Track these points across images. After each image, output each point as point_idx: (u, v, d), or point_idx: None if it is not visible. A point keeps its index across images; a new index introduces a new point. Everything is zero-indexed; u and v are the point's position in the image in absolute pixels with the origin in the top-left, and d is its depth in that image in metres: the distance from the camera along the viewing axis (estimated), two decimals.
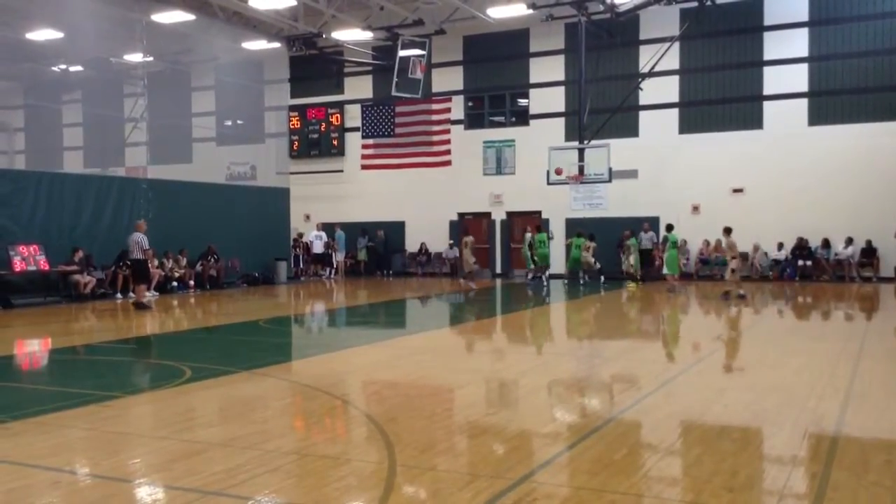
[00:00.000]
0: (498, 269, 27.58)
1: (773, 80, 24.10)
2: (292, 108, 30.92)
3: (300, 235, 27.95)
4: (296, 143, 30.86)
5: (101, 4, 22.62)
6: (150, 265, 18.45)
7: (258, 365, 9.91)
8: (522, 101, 27.73)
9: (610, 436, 6.41)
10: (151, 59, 29.73)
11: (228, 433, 6.56)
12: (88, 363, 11.04)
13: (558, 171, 22.93)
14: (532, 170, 25.68)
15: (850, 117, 23.14)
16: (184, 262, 21.89)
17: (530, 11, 23.96)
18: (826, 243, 23.42)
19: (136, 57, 29.63)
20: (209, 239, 22.51)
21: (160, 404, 7.92)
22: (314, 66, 28.96)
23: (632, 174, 24.96)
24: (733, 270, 18.42)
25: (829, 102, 23.52)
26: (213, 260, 22.69)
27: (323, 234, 27.59)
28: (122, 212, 20.81)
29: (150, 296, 18.72)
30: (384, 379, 9.31)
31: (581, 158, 23.08)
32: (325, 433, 6.88)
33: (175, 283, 21.37)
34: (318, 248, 27.34)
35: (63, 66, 32.41)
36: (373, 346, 12.15)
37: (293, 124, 30.87)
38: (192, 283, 21.86)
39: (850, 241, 23.06)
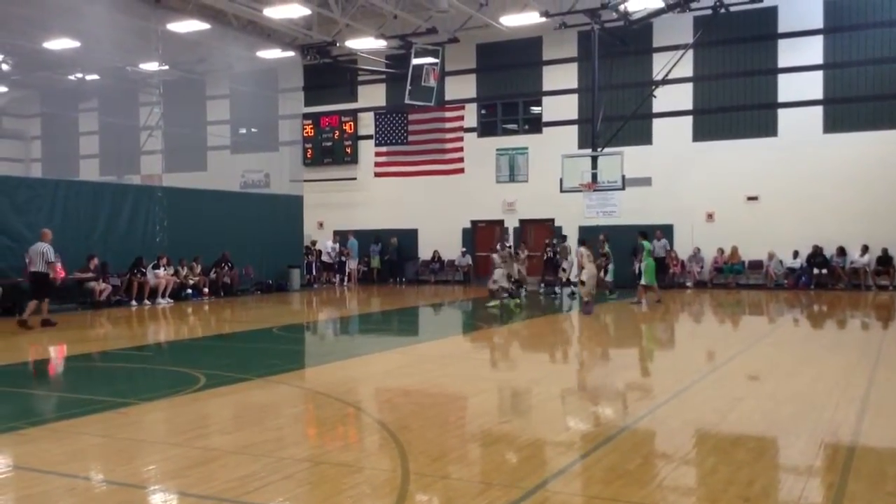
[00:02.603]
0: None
1: (788, 87, 24.00)
2: (306, 116, 31.07)
3: (313, 243, 28.05)
4: (309, 150, 30.99)
5: (117, 14, 22.83)
6: (54, 278, 15.69)
7: (272, 372, 9.94)
8: (535, 109, 27.74)
9: (624, 445, 6.39)
10: (167, 67, 29.96)
11: (242, 440, 6.58)
12: (103, 370, 11.10)
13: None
14: (545, 177, 25.67)
15: (865, 125, 23.00)
16: (198, 269, 22.01)
17: (543, 20, 23.98)
18: (841, 251, 23.25)
19: (151, 66, 29.85)
20: (223, 246, 22.63)
21: (175, 411, 7.96)
22: (328, 74, 29.10)
23: (645, 182, 24.90)
24: (582, 282, 17.85)
25: (844, 110, 23.39)
26: (227, 267, 22.80)
27: (336, 245, 27.73)
28: (138, 219, 20.96)
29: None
30: (397, 386, 9.31)
31: (594, 166, 23.03)
32: (338, 441, 6.89)
33: (189, 291, 21.49)
34: (327, 257, 27.48)
35: (79, 75, 32.74)
36: (386, 354, 12.16)
37: (307, 132, 31.00)
38: (206, 290, 21.97)
39: (865, 250, 22.88)
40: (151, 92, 33.35)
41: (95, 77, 32.62)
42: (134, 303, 19.78)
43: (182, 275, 21.45)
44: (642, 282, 19.32)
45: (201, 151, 33.13)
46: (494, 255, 19.44)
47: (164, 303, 20.24)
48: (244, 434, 6.88)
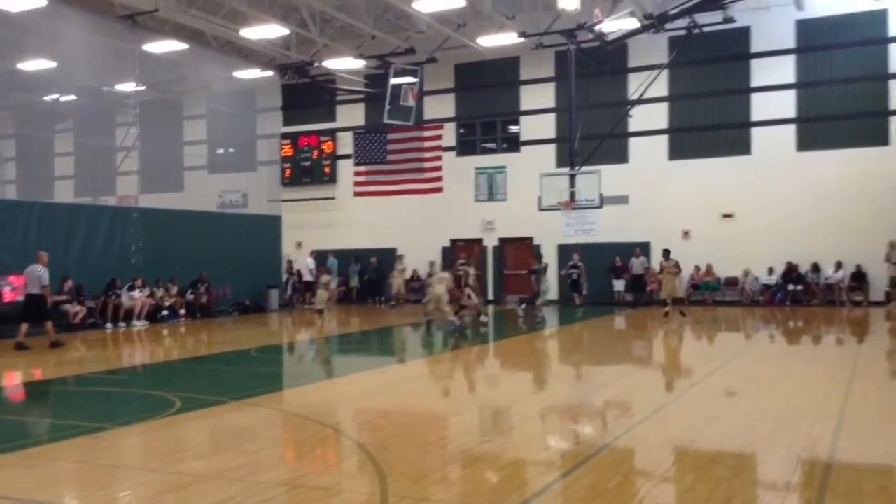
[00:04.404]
0: (490, 296, 27.55)
1: (761, 106, 24.34)
2: (284, 135, 31.02)
3: (290, 263, 27.90)
4: (288, 170, 30.92)
5: (93, 34, 22.72)
6: (47, 302, 15.66)
7: (249, 395, 9.84)
8: (513, 128, 27.91)
9: (604, 463, 6.39)
10: (144, 88, 29.82)
11: (218, 465, 6.50)
12: (78, 394, 10.94)
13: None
14: (523, 196, 25.79)
15: (837, 143, 23.34)
16: (174, 290, 21.80)
17: (521, 40, 24.19)
18: (816, 268, 23.52)
19: (128, 86, 29.69)
20: (200, 267, 22.46)
21: (150, 436, 7.85)
22: (306, 94, 29.10)
23: (623, 200, 25.08)
24: (469, 296, 18.27)
25: (816, 128, 23.74)
26: (203, 288, 22.62)
27: (313, 263, 27.56)
28: (113, 241, 20.75)
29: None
30: (376, 407, 9.26)
31: (572, 185, 23.18)
32: (316, 464, 6.83)
33: (165, 312, 21.26)
34: (306, 275, 27.28)
35: (55, 96, 32.48)
36: (365, 374, 12.10)
37: (285, 152, 30.95)
38: (182, 311, 21.76)
39: (839, 266, 23.16)
40: (128, 112, 33.11)
41: (71, 98, 32.38)
42: (109, 325, 19.54)
43: (158, 296, 21.24)
44: (540, 301, 20.02)
45: (178, 172, 32.91)
46: (431, 278, 19.42)
47: (139, 325, 20.02)
48: (220, 458, 6.80)
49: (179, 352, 15.99)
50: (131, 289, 20.32)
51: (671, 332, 17.86)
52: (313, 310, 21.29)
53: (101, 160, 33.59)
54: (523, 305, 21.76)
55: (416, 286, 28.25)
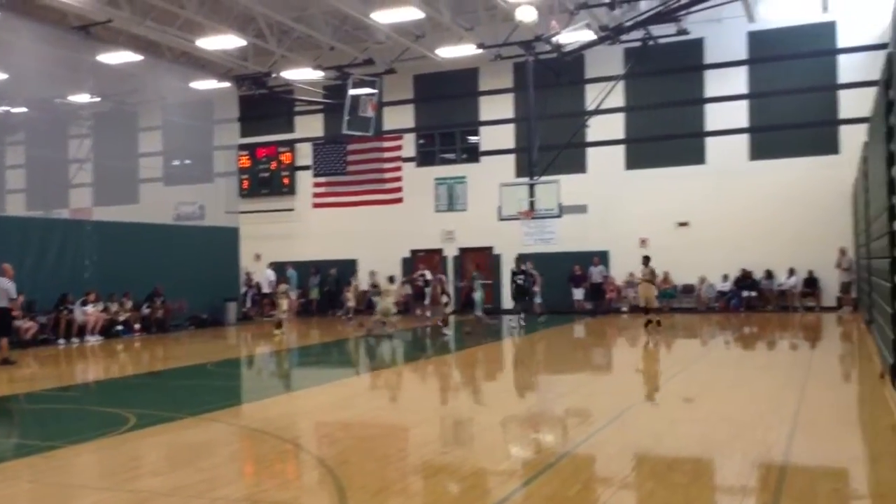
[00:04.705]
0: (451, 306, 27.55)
1: (715, 116, 24.79)
2: (242, 146, 30.74)
3: (249, 275, 27.62)
4: (245, 181, 30.63)
5: (44, 45, 22.31)
6: (15, 315, 15.60)
7: (206, 410, 9.69)
8: (473, 139, 28.03)
9: (564, 471, 6.41)
10: (98, 99, 29.38)
11: (175, 482, 6.38)
12: (30, 412, 10.67)
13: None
14: (483, 206, 25.88)
15: (789, 151, 23.84)
16: (129, 304, 21.40)
17: (479, 51, 24.33)
18: (769, 274, 23.97)
19: (81, 97, 29.24)
20: (156, 281, 22.07)
21: (104, 453, 7.68)
22: (264, 104, 28.89)
23: (581, 209, 25.31)
24: (447, 304, 18.71)
25: (768, 137, 24.24)
26: (159, 302, 22.24)
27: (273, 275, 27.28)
28: (66, 255, 20.34)
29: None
30: (336, 420, 9.18)
31: (532, 194, 23.31)
32: (275, 479, 6.74)
33: (120, 327, 20.85)
34: (266, 287, 26.99)
35: (6, 108, 31.79)
36: (324, 387, 12.00)
37: (243, 163, 30.66)
38: (137, 326, 21.36)
39: (792, 272, 23.64)
40: (81, 124, 32.65)
41: (23, 109, 31.73)
42: (62, 341, 19.11)
43: (112, 311, 20.84)
44: (478, 313, 19.61)
45: (133, 184, 32.40)
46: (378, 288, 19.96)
47: (93, 340, 19.61)
48: (177, 475, 6.68)
49: (134, 367, 15.69)
50: (84, 303, 19.91)
51: (631, 339, 18.03)
52: (273, 321, 21.06)
53: (54, 172, 32.96)
54: (523, 315, 21.43)
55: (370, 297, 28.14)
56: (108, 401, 11.26)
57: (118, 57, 24.05)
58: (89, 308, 19.95)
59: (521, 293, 21.48)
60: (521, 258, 22.23)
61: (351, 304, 23.06)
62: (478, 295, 21.29)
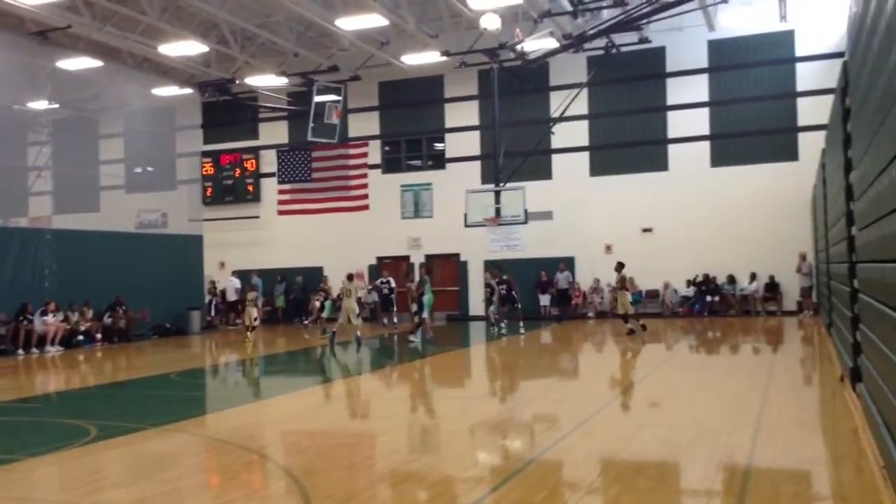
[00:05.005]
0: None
1: (677, 123, 25.14)
2: (205, 153, 30.44)
3: (213, 283, 27.31)
4: (209, 189, 30.32)
5: (2, 51, 21.88)
6: None
7: (169, 420, 9.55)
8: (439, 146, 28.07)
9: (531, 477, 6.42)
10: (57, 106, 28.86)
11: (138, 494, 6.27)
12: None
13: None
14: (450, 212, 25.91)
15: (749, 158, 24.25)
16: (89, 314, 21.02)
17: (444, 59, 24.38)
18: (732, 279, 24.32)
19: (40, 104, 28.70)
20: (118, 290, 21.72)
21: (64, 466, 7.52)
22: (228, 111, 28.63)
23: (547, 216, 25.47)
24: (414, 312, 18.92)
25: (729, 144, 24.63)
26: (121, 311, 21.88)
27: (239, 282, 26.97)
28: (25, 264, 19.95)
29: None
30: (302, 429, 9.10)
31: (497, 201, 23.41)
32: (240, 490, 6.65)
33: (81, 337, 20.48)
34: (232, 295, 26.71)
35: None
36: (290, 396, 11.89)
37: (206, 170, 30.36)
38: (99, 336, 21.00)
39: (753, 277, 24.01)
40: (40, 131, 32.06)
41: None
42: (21, 352, 18.71)
43: (73, 321, 20.46)
44: (424, 315, 19.52)
45: (94, 192, 31.90)
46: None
47: (53, 351, 19.23)
48: (140, 487, 6.55)
49: (96, 378, 15.40)
50: (44, 313, 19.52)
51: (598, 345, 18.15)
52: (243, 329, 20.80)
53: (12, 180, 32.26)
54: (521, 323, 21.32)
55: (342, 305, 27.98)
56: (69, 412, 11.03)
57: (78, 63, 23.66)
58: (49, 318, 19.57)
59: (506, 301, 21.53)
60: (501, 267, 22.13)
61: (319, 312, 22.85)
62: (427, 298, 21.19)
